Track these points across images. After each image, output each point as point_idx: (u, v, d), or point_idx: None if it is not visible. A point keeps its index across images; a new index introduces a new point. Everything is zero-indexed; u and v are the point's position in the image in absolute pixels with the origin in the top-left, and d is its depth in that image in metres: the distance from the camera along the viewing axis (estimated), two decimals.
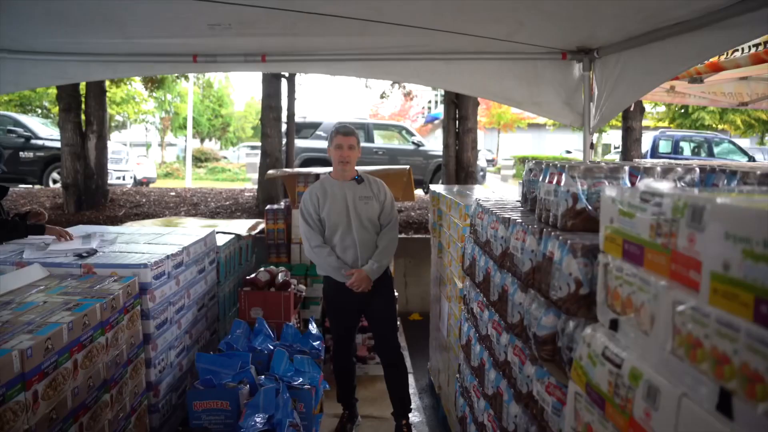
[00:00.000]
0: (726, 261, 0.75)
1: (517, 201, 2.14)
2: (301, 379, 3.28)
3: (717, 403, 0.76)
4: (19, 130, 13.10)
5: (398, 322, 4.26)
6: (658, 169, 1.44)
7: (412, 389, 4.29)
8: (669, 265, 0.90)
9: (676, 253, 0.88)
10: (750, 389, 0.70)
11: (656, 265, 0.94)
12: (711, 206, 0.80)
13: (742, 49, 3.80)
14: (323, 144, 14.00)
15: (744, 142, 21.70)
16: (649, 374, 0.92)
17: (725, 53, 3.95)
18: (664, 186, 1.02)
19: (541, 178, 1.64)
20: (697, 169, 1.50)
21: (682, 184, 1.42)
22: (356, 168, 3.64)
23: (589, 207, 1.41)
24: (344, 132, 3.48)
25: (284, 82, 9.45)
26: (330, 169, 3.72)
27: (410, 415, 3.66)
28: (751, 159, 15.04)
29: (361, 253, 3.45)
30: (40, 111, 20.80)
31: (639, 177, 1.41)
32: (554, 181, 1.50)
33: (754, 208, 0.71)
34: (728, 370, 0.74)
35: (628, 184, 1.41)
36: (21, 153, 12.88)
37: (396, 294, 3.94)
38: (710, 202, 0.80)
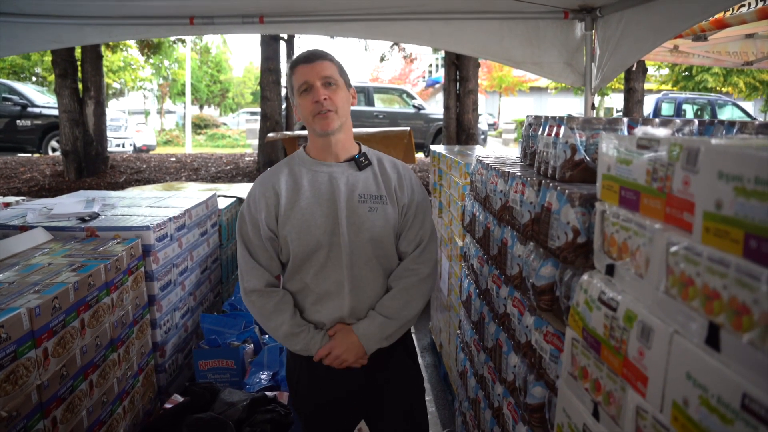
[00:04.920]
0: (718, 200, 0.76)
1: (517, 157, 2.15)
2: None
3: (706, 337, 0.78)
4: (15, 98, 13.02)
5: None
6: (657, 121, 1.45)
7: None
8: (664, 208, 0.91)
9: (671, 196, 0.89)
10: (737, 321, 0.72)
11: (651, 209, 0.96)
12: (705, 148, 0.81)
13: (749, 3, 3.73)
14: None
15: (747, 105, 21.51)
16: (643, 315, 0.95)
17: (731, 9, 3.89)
18: (661, 132, 1.03)
19: (540, 132, 1.65)
20: (696, 122, 1.51)
21: (681, 134, 1.43)
22: (354, 134, 2.04)
23: (588, 158, 1.42)
24: (306, 57, 1.86)
25: (283, 45, 9.35)
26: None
27: None
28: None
29: (353, 303, 1.87)
30: (35, 78, 20.60)
31: (637, 128, 1.42)
32: (553, 134, 1.51)
33: (747, 146, 0.72)
34: (717, 305, 0.76)
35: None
36: (18, 121, 12.83)
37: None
38: (705, 143, 0.82)
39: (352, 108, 1.94)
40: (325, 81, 1.83)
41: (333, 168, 1.89)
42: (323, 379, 1.91)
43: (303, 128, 12.62)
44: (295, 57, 1.92)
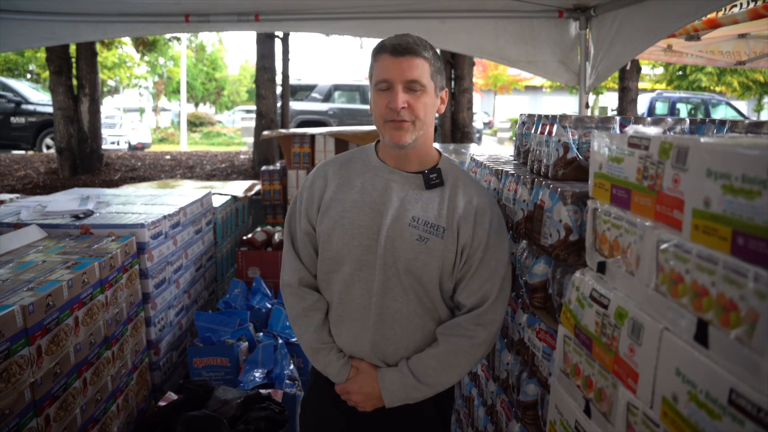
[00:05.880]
0: (707, 198, 0.77)
1: (511, 156, 2.16)
2: None
3: (695, 333, 0.79)
4: (9, 94, 12.95)
5: None
6: (648, 119, 1.46)
7: None
8: (654, 206, 0.92)
9: (661, 194, 0.91)
10: (725, 318, 0.73)
11: (642, 207, 0.97)
12: (694, 146, 0.82)
13: (741, 4, 3.76)
14: (318, 106, 13.94)
15: (741, 105, 21.60)
16: (633, 312, 0.96)
17: (723, 9, 3.91)
18: (652, 131, 1.04)
19: (533, 130, 1.66)
20: (688, 121, 1.52)
21: (672, 133, 1.44)
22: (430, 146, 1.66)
23: (580, 156, 1.43)
24: (394, 48, 1.50)
25: (278, 43, 9.33)
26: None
27: None
28: None
29: (377, 339, 1.60)
30: (29, 75, 20.50)
31: (629, 126, 1.43)
32: (546, 132, 1.52)
33: (734, 144, 0.73)
34: (706, 302, 0.77)
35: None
36: (12, 118, 12.76)
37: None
38: (694, 142, 0.83)
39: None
40: (409, 85, 1.50)
41: (395, 176, 1.59)
42: (332, 399, 1.68)
43: (298, 126, 12.60)
44: (382, 41, 1.55)
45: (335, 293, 1.62)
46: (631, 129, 1.39)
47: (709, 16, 4.05)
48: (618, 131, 1.43)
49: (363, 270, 1.56)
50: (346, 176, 1.63)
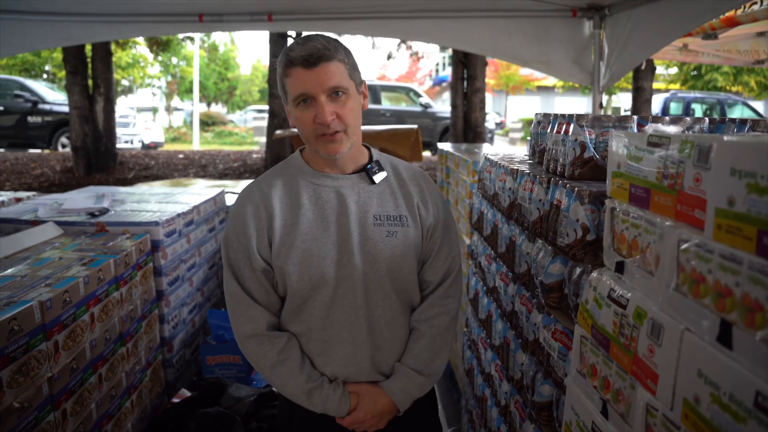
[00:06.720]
0: (731, 196, 0.76)
1: (525, 155, 2.15)
2: None
3: (718, 334, 0.78)
4: (26, 94, 13.11)
5: None
6: (667, 119, 1.44)
7: None
8: (674, 205, 0.91)
9: (681, 193, 0.89)
10: (749, 319, 0.72)
11: (662, 206, 0.96)
12: (718, 144, 0.81)
13: (761, 0, 3.70)
14: None
15: (758, 105, 21.33)
16: (653, 312, 0.95)
17: (742, 6, 3.85)
18: (672, 130, 1.02)
19: (549, 129, 1.64)
20: (707, 120, 1.50)
21: (691, 132, 1.43)
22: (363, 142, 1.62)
23: (597, 156, 1.42)
24: (305, 60, 1.39)
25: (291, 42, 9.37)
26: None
27: None
28: None
29: (373, 351, 1.56)
30: (45, 75, 20.75)
31: (647, 126, 1.42)
32: (562, 131, 1.51)
33: (759, 142, 0.72)
34: (729, 303, 0.76)
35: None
36: (29, 118, 12.93)
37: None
38: (717, 140, 0.81)
39: None
40: (332, 92, 1.41)
41: (340, 182, 1.52)
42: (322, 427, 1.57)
43: None
44: (288, 51, 1.42)
45: (315, 319, 1.51)
46: (650, 128, 1.38)
47: (727, 14, 4.00)
48: (636, 130, 1.41)
49: (341, 286, 1.49)
50: (287, 199, 1.52)
